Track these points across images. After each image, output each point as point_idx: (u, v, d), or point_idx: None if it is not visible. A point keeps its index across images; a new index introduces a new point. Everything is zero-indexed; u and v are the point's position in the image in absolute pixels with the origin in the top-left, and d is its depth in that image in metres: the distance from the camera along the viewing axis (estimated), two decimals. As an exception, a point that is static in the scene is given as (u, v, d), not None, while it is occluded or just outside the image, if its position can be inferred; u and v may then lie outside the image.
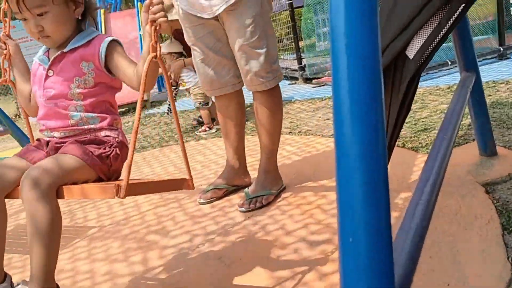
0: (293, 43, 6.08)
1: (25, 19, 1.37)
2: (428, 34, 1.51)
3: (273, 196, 2.17)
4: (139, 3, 7.72)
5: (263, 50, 2.04)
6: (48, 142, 1.45)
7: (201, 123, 4.41)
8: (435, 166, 1.03)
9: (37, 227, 1.20)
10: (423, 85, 4.28)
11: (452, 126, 1.29)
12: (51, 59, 1.43)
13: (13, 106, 13.43)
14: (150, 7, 1.26)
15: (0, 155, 5.18)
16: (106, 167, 1.38)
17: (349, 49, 0.67)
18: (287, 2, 5.67)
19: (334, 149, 0.71)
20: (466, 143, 2.46)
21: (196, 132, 4.18)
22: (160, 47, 1.25)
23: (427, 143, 2.55)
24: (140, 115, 1.26)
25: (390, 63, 1.65)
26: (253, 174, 2.46)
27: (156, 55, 1.23)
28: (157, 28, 1.25)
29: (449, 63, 4.59)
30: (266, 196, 2.15)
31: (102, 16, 8.16)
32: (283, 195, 2.23)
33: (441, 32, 1.49)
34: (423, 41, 1.52)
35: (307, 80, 5.97)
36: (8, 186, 1.32)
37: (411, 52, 1.58)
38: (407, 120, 3.17)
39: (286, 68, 6.37)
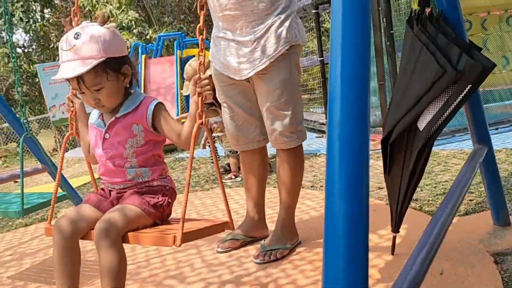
0: (323, 96, 6.25)
1: (83, 93, 1.60)
2: (437, 109, 1.61)
3: (287, 250, 2.25)
4: (178, 51, 8.11)
5: (289, 112, 2.18)
6: (110, 191, 1.70)
7: (227, 171, 4.55)
8: (428, 242, 1.11)
9: (108, 268, 1.46)
10: (448, 148, 4.33)
11: (454, 200, 1.37)
12: (107, 124, 1.65)
13: (52, 141, 14.00)
14: (198, 81, 1.49)
15: (31, 190, 5.44)
16: (160, 214, 1.64)
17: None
18: (319, 59, 5.90)
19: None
20: (482, 210, 2.50)
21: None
22: (205, 115, 1.48)
23: (443, 208, 2.60)
24: (190, 174, 1.45)
25: (403, 134, 1.75)
26: (271, 226, 2.56)
27: (202, 122, 1.47)
28: (203, 98, 1.48)
29: (475, 127, 4.63)
30: (281, 250, 2.23)
31: (143, 62, 8.59)
32: (298, 249, 2.31)
33: (449, 109, 1.60)
34: (432, 115, 1.63)
35: (335, 134, 6.08)
36: (83, 230, 1.58)
37: (421, 125, 1.69)
38: (427, 182, 3.23)
39: (315, 121, 6.51)
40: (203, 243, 2.57)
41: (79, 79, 1.53)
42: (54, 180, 2.92)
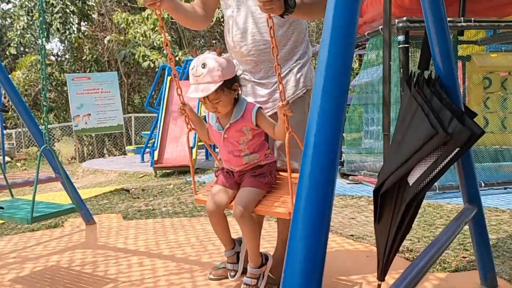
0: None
1: (205, 103, 2.07)
2: (427, 167, 1.69)
3: (276, 286, 2.31)
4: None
5: (301, 150, 2.29)
6: (232, 172, 2.25)
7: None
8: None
9: (248, 233, 2.14)
10: (453, 202, 4.35)
11: (430, 256, 1.44)
12: (224, 128, 2.15)
13: (72, 149, 14.34)
14: (282, 107, 1.92)
15: (43, 196, 5.59)
16: (269, 186, 2.21)
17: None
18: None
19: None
20: (473, 269, 2.53)
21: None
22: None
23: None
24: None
25: (394, 186, 1.83)
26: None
27: (290, 132, 1.93)
28: (287, 117, 1.92)
29: (483, 184, 4.66)
30: (270, 285, 2.29)
31: (168, 83, 8.85)
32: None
33: (437, 168, 1.67)
34: (421, 172, 1.71)
35: (344, 175, 6.15)
36: (224, 205, 2.19)
37: (411, 180, 1.77)
38: (425, 234, 3.27)
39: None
40: (197, 268, 2.65)
41: (206, 97, 2.03)
42: (66, 191, 3.07)
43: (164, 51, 13.09)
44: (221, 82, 2.01)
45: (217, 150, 2.45)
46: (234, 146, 2.16)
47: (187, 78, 9.48)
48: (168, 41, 2.12)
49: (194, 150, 7.79)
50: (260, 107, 2.15)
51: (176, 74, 2.19)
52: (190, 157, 2.26)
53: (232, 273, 2.29)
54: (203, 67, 2.01)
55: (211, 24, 15.37)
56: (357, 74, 10.22)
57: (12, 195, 3.17)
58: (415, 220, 3.54)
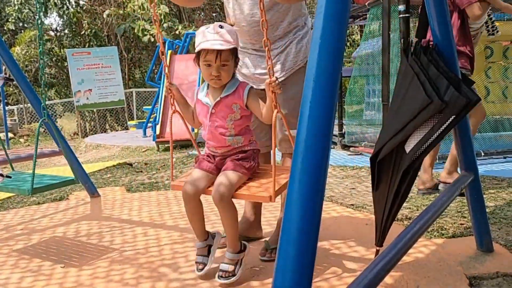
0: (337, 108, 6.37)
1: (209, 65, 2.04)
2: (423, 135, 1.72)
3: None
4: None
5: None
6: (213, 156, 2.19)
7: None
8: (387, 255, 1.23)
9: (227, 219, 2.06)
10: (453, 171, 4.39)
11: (425, 219, 1.48)
12: (213, 102, 2.10)
13: (74, 124, 14.36)
14: (270, 84, 1.88)
15: (47, 171, 5.66)
16: (251, 171, 2.15)
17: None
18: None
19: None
20: (470, 235, 2.58)
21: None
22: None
23: (432, 229, 2.69)
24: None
25: (391, 154, 1.87)
26: (266, 228, 2.69)
27: (278, 110, 1.90)
28: (276, 94, 1.89)
29: (482, 153, 4.69)
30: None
31: (168, 57, 8.80)
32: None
33: (434, 135, 1.71)
34: (417, 140, 1.74)
35: (345, 147, 6.19)
36: (202, 190, 2.10)
37: (408, 148, 1.80)
38: (425, 203, 3.32)
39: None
40: (200, 238, 2.71)
41: (218, 53, 2.01)
42: (69, 164, 3.12)
43: (164, 25, 13.01)
44: (234, 46, 2.05)
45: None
46: (220, 122, 2.12)
47: (188, 52, 9.35)
48: (158, 17, 2.12)
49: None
50: (251, 87, 2.14)
51: (164, 53, 2.16)
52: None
53: (200, 266, 2.17)
54: (221, 27, 2.03)
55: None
56: (358, 46, 10.15)
57: (12, 168, 3.23)
58: (414, 188, 3.61)
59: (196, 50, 2.07)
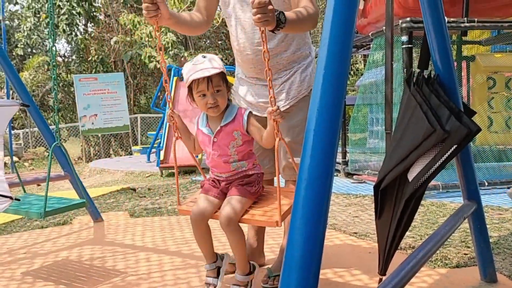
0: (340, 136, 6.40)
1: (204, 95, 2.06)
2: (425, 164, 1.74)
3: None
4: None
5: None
6: (218, 181, 2.21)
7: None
8: (390, 283, 1.23)
9: (235, 243, 2.09)
10: (457, 201, 4.37)
11: (428, 248, 1.49)
12: (214, 131, 2.13)
13: (79, 149, 14.45)
14: (272, 112, 1.90)
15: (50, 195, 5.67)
16: (257, 196, 2.18)
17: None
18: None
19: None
20: (474, 265, 2.56)
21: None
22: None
23: (436, 258, 2.68)
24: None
25: (394, 182, 1.88)
26: (268, 255, 2.69)
27: (280, 138, 1.93)
28: (277, 122, 1.92)
29: (486, 183, 4.69)
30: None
31: (174, 84, 8.92)
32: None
33: (435, 165, 1.72)
34: (420, 168, 1.76)
35: (348, 174, 6.19)
36: (209, 215, 2.12)
37: (411, 176, 1.82)
38: (428, 232, 3.31)
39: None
40: (203, 263, 2.70)
41: (209, 79, 2.03)
42: (74, 188, 3.14)
43: (171, 52, 13.22)
44: (222, 70, 2.08)
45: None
46: (223, 150, 2.14)
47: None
48: (163, 46, 2.17)
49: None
50: (250, 112, 2.17)
51: (168, 81, 2.19)
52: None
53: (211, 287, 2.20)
54: (204, 57, 2.07)
55: (217, 25, 15.47)
56: (361, 74, 10.26)
57: (24, 191, 3.24)
58: (418, 218, 3.61)
59: (186, 85, 2.10)
